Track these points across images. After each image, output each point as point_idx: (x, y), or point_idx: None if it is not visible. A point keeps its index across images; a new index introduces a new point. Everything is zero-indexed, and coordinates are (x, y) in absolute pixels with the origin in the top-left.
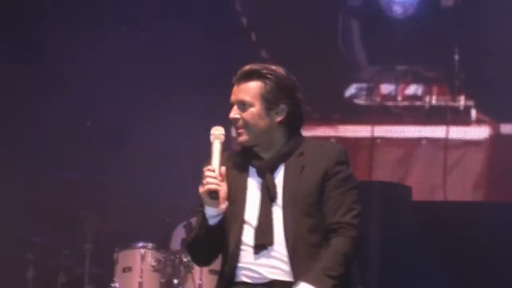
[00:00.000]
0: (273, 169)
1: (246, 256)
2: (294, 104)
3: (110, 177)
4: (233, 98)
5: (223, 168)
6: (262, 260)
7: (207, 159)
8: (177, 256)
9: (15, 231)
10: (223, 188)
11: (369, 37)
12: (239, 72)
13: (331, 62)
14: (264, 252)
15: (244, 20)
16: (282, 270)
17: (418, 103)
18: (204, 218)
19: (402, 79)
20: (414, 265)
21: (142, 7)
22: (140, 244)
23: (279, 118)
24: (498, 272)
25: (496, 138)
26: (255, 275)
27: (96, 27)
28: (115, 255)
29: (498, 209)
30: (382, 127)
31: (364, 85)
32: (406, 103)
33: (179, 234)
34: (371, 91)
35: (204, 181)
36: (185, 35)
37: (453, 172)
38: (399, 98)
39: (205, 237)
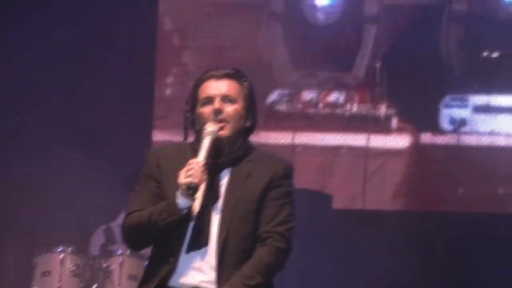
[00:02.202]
0: (221, 171)
1: (179, 253)
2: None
3: (28, 177)
4: (213, 91)
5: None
6: (194, 263)
7: (128, 161)
8: (97, 261)
9: None
10: (202, 185)
11: (292, 43)
12: (218, 71)
13: (253, 67)
14: (196, 253)
15: (166, 24)
16: (209, 275)
17: (339, 110)
18: (174, 207)
19: (324, 86)
20: (334, 273)
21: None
22: (60, 249)
23: (249, 124)
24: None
25: (416, 147)
26: (184, 280)
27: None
28: (34, 258)
29: (417, 219)
30: (303, 134)
31: (286, 91)
32: (327, 110)
33: (98, 239)
34: (293, 97)
35: (189, 173)
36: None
37: (373, 181)
38: (321, 105)
39: (164, 226)
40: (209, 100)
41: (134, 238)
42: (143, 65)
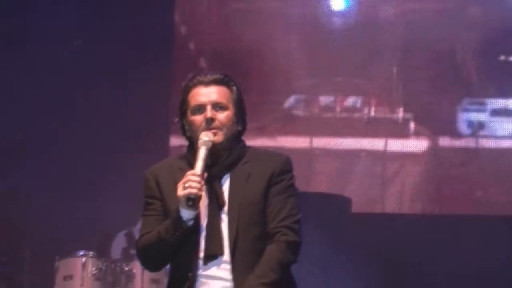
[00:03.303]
0: (220, 178)
1: (196, 266)
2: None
3: (49, 183)
4: (204, 99)
5: (206, 174)
6: (211, 271)
7: (145, 166)
8: (118, 264)
9: None
10: (202, 194)
11: (308, 48)
12: (206, 77)
13: (270, 72)
14: (214, 262)
15: (183, 30)
16: (227, 281)
17: (356, 115)
18: (179, 221)
19: (341, 91)
20: (353, 276)
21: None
22: (81, 253)
23: (240, 127)
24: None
25: (434, 151)
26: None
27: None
28: (56, 263)
29: (435, 222)
30: (321, 138)
31: (302, 96)
32: (344, 115)
33: (119, 243)
34: (310, 102)
35: (187, 184)
36: (124, 45)
37: (391, 184)
38: (338, 109)
39: (175, 241)
40: (200, 108)
41: (149, 259)
42: (160, 70)
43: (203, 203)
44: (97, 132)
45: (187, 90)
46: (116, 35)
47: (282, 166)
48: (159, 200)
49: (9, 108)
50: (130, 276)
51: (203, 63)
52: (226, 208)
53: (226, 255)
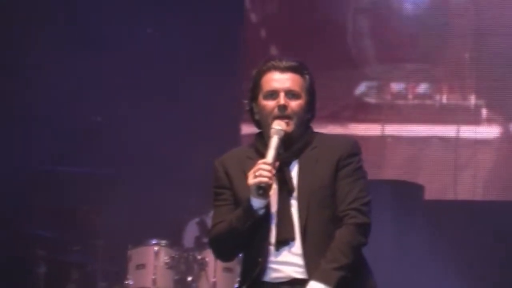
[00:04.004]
0: (288, 164)
1: (268, 252)
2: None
3: (121, 172)
4: (278, 85)
5: (277, 163)
6: (283, 257)
7: (216, 155)
8: (191, 253)
9: (24, 227)
10: (272, 183)
11: (379, 34)
12: (281, 62)
13: (341, 59)
14: (285, 247)
15: (253, 17)
16: (299, 266)
17: (428, 101)
18: (250, 210)
19: (412, 78)
20: (426, 264)
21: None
22: (154, 241)
23: (310, 115)
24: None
25: (506, 137)
26: (277, 274)
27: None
28: (128, 252)
29: (509, 208)
30: (393, 125)
31: (374, 83)
32: (416, 101)
33: (191, 231)
34: (381, 89)
35: (257, 173)
36: (195, 33)
37: (463, 172)
38: (409, 96)
39: (247, 230)
40: (273, 93)
41: (222, 249)
42: (231, 59)
43: (273, 190)
44: (170, 119)
45: (261, 73)
46: (186, 22)
47: (350, 149)
48: (229, 190)
49: (90, 92)
50: (203, 265)
51: (274, 50)
52: (295, 193)
53: (297, 240)
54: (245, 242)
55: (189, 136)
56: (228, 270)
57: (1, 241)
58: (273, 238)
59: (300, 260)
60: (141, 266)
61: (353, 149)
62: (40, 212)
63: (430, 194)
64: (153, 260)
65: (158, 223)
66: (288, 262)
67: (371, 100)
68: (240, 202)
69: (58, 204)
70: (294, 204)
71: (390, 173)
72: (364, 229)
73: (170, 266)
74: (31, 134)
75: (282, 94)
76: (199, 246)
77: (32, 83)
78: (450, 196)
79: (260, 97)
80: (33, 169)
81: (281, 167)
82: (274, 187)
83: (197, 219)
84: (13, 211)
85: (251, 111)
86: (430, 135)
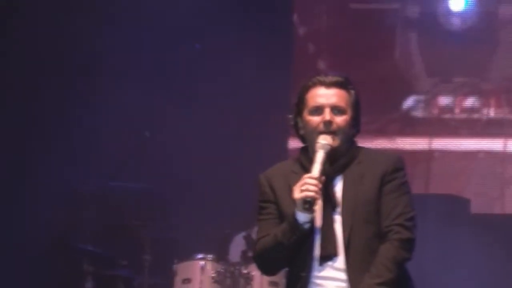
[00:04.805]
0: (333, 179)
1: (311, 267)
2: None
3: (168, 187)
4: (323, 101)
5: (323, 178)
6: (326, 272)
7: (263, 169)
8: (237, 267)
9: (71, 242)
10: (318, 198)
11: (427, 49)
12: (327, 78)
13: (389, 73)
14: (329, 263)
15: (301, 31)
16: (342, 281)
17: (475, 115)
18: (295, 224)
19: (460, 91)
20: (472, 278)
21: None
22: (200, 256)
23: (355, 130)
24: None
25: None
26: None
27: None
28: (174, 266)
29: None
30: (440, 139)
31: (421, 97)
32: (463, 115)
33: (238, 245)
34: (429, 103)
35: (303, 187)
36: (243, 48)
37: (511, 185)
38: (457, 110)
39: (292, 244)
40: (318, 109)
41: (266, 264)
42: (279, 72)
43: (318, 205)
44: (217, 134)
45: (306, 89)
46: (234, 35)
47: (395, 165)
48: (274, 204)
49: (139, 107)
50: (248, 279)
51: (321, 64)
52: (339, 208)
53: (341, 256)
54: (290, 257)
55: (236, 150)
56: (273, 284)
57: (50, 256)
58: (317, 253)
59: (343, 275)
60: (187, 281)
61: (397, 164)
62: (88, 227)
63: (476, 208)
64: (199, 275)
65: (204, 237)
66: (331, 277)
67: (419, 114)
68: (285, 216)
69: (107, 219)
70: (338, 219)
71: (437, 187)
72: (408, 245)
73: (216, 281)
74: (80, 150)
75: (327, 110)
76: (245, 260)
77: (81, 100)
78: (497, 210)
79: (306, 112)
80: (82, 185)
81: (326, 182)
82: (319, 202)
83: (243, 233)
84: (63, 227)
85: (296, 126)
86: (477, 148)
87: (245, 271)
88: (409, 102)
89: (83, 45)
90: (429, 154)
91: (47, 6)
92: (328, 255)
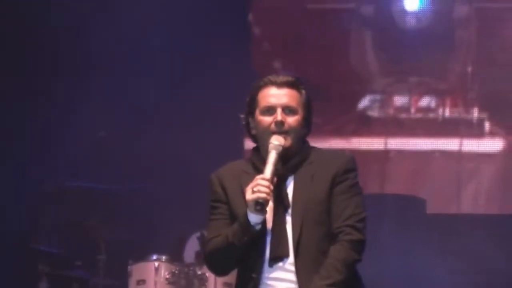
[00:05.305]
0: (284, 179)
1: (262, 268)
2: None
3: (121, 188)
4: (275, 101)
5: (275, 179)
6: (277, 273)
7: (217, 168)
8: (191, 268)
9: (25, 242)
10: (270, 199)
11: (381, 48)
12: (278, 78)
13: (344, 73)
14: (279, 264)
15: (257, 30)
16: (292, 282)
17: (431, 115)
18: (247, 225)
19: (415, 91)
20: (429, 276)
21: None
22: (154, 257)
23: (306, 130)
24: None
25: (509, 150)
26: None
27: None
28: (129, 267)
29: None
30: (396, 139)
31: (377, 96)
32: (419, 115)
33: (192, 246)
34: (384, 103)
35: (255, 189)
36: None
37: (466, 185)
38: (412, 110)
39: (243, 245)
40: (270, 109)
41: (217, 264)
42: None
43: (269, 206)
44: (172, 133)
45: (258, 88)
46: (192, 35)
47: (346, 165)
48: (225, 204)
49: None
50: (203, 280)
51: (277, 64)
52: (290, 210)
53: (291, 257)
54: (241, 258)
55: (190, 150)
56: (228, 285)
57: (5, 256)
58: (267, 254)
59: (293, 277)
60: (141, 282)
61: (349, 165)
62: (43, 227)
63: (433, 207)
64: (153, 276)
65: (159, 238)
66: (281, 278)
67: (374, 113)
68: (236, 216)
69: (62, 219)
70: (289, 220)
71: (393, 187)
72: (358, 246)
73: (171, 282)
74: (36, 150)
75: (279, 110)
76: (199, 261)
77: (42, 100)
78: (453, 209)
79: (257, 112)
80: (38, 184)
81: (278, 183)
82: (270, 203)
83: (197, 234)
84: (19, 227)
85: (248, 126)
86: (433, 148)
87: (199, 272)
88: (364, 102)
89: (44, 44)
90: (385, 154)
91: None
92: (278, 257)
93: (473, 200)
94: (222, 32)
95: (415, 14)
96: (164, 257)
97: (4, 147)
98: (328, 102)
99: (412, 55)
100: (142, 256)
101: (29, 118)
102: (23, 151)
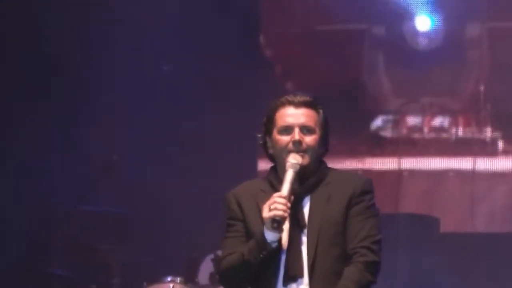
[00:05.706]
0: (301, 199)
1: (275, 287)
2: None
3: (135, 210)
4: (292, 120)
5: (292, 197)
6: None
7: (230, 189)
8: None
9: (39, 266)
10: (287, 217)
11: (394, 69)
12: (296, 97)
13: (356, 94)
14: (293, 284)
15: (269, 53)
16: None
17: (444, 135)
18: (263, 242)
19: (428, 111)
20: None
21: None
22: (169, 278)
23: (324, 149)
24: None
25: None
26: None
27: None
28: None
29: None
30: (409, 159)
31: (390, 117)
32: (432, 135)
33: (206, 268)
34: (397, 123)
35: (272, 206)
36: (211, 69)
37: (480, 204)
38: (425, 130)
39: (258, 263)
40: (287, 129)
41: (231, 281)
42: (245, 96)
43: (284, 225)
44: (184, 156)
45: (275, 108)
46: (202, 59)
47: (362, 187)
48: (241, 221)
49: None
50: None
51: (289, 86)
52: (306, 229)
53: (305, 277)
54: (254, 276)
55: (204, 172)
56: None
57: (18, 279)
58: (281, 273)
59: None
60: None
61: (365, 186)
62: (57, 251)
63: (446, 227)
64: None
65: (173, 260)
66: None
67: (387, 134)
68: (252, 234)
69: (75, 243)
70: (304, 240)
71: (406, 207)
72: (373, 268)
73: None
74: (48, 172)
75: (297, 130)
76: (213, 282)
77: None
78: (467, 229)
79: (275, 131)
80: (51, 208)
81: (294, 202)
82: (286, 222)
83: (211, 255)
84: (30, 250)
85: (265, 145)
86: (446, 168)
87: None
88: (377, 122)
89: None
90: (398, 174)
91: None
92: (293, 276)
93: (487, 219)
94: (233, 54)
95: (427, 34)
96: (178, 279)
97: (14, 169)
98: (341, 123)
99: (424, 75)
100: (157, 278)
101: (42, 137)
102: (34, 173)
